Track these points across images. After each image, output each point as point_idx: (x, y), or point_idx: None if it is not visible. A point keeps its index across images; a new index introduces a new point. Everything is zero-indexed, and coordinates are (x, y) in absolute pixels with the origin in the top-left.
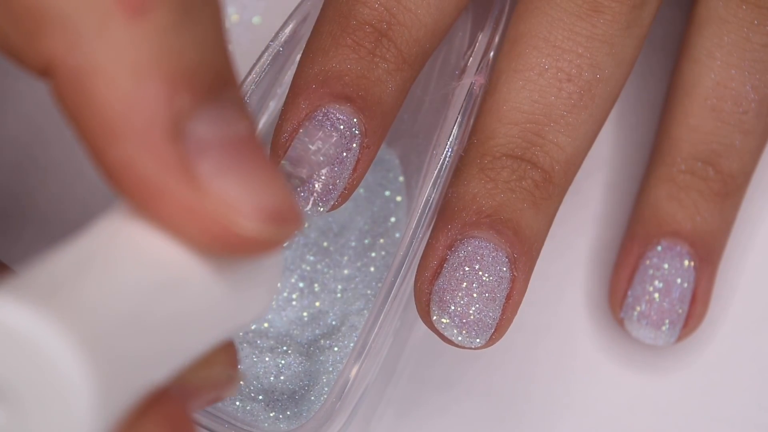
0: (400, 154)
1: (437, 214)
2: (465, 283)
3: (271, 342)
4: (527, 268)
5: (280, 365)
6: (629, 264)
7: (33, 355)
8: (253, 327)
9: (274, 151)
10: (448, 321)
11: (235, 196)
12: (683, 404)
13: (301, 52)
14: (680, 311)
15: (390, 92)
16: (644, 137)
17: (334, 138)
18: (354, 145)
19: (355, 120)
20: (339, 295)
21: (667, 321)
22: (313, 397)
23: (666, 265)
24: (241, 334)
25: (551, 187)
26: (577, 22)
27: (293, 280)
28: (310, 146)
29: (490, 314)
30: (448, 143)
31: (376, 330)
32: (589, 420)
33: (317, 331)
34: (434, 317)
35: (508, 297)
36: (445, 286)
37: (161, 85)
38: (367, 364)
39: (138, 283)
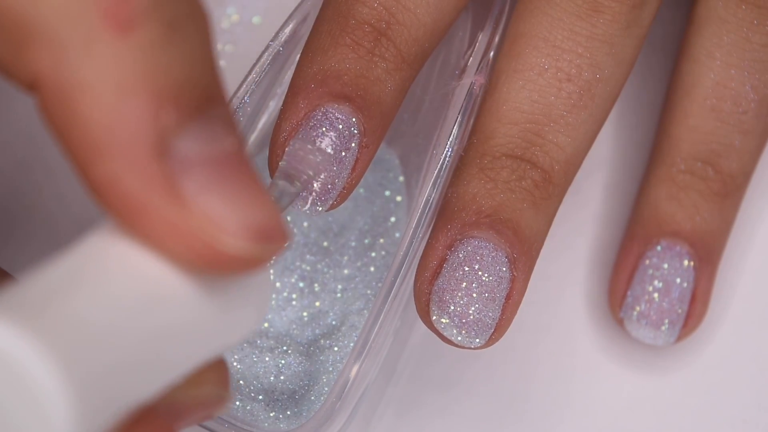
0: (400, 154)
1: (437, 214)
2: (465, 283)
3: (271, 342)
4: (527, 267)
5: (280, 365)
6: (629, 264)
7: (11, 373)
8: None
9: (273, 150)
10: (447, 321)
11: (220, 213)
12: (683, 404)
13: (301, 51)
14: (680, 311)
15: (389, 92)
16: (644, 137)
17: (333, 138)
18: (353, 144)
19: (353, 119)
20: (339, 294)
21: (666, 321)
22: (313, 397)
23: (666, 265)
24: None
25: (551, 187)
26: (577, 22)
27: (293, 280)
28: (309, 146)
29: (490, 314)
30: (448, 143)
31: (376, 330)
32: (589, 420)
33: (317, 331)
34: (434, 317)
35: (508, 297)
36: (444, 286)
37: (147, 101)
38: (367, 364)
39: (122, 301)
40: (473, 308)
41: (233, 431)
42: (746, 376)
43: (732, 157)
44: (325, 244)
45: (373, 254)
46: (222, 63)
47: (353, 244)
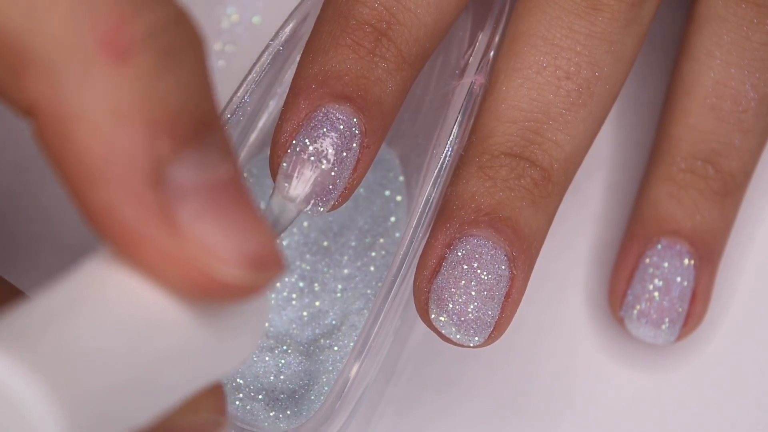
0: (400, 154)
1: (437, 213)
2: (463, 281)
3: (271, 341)
4: (526, 266)
5: (280, 365)
6: (629, 263)
7: (5, 402)
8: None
9: (274, 151)
10: (446, 319)
11: (215, 241)
12: (683, 404)
13: (301, 51)
14: (680, 310)
15: (390, 92)
16: (644, 137)
17: (334, 138)
18: (354, 145)
19: (354, 120)
20: (339, 294)
21: (666, 320)
22: (313, 397)
23: (666, 264)
24: None
25: (550, 186)
26: (576, 21)
27: (293, 280)
28: (310, 147)
29: (489, 312)
30: (449, 143)
31: (376, 329)
32: (589, 420)
33: (317, 331)
34: (432, 315)
35: (507, 295)
36: (443, 284)
37: (142, 130)
38: (367, 364)
39: (118, 329)
40: (472, 306)
41: (233, 431)
42: (746, 376)
43: (732, 156)
44: (325, 243)
45: (373, 254)
46: (222, 63)
47: (353, 243)
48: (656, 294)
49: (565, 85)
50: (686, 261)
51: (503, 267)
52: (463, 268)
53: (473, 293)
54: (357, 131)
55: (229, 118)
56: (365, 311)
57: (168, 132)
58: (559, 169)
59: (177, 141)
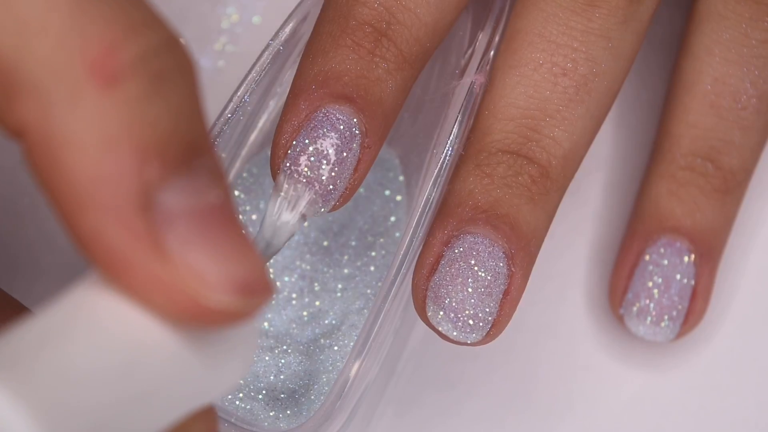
0: (400, 154)
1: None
2: (460, 279)
3: (271, 341)
4: (525, 263)
5: (280, 364)
6: (629, 260)
7: None
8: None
9: (275, 152)
10: (443, 316)
11: (204, 267)
12: (684, 404)
13: (302, 52)
14: (680, 307)
15: (391, 92)
16: (644, 137)
17: (334, 139)
18: (354, 145)
19: (355, 120)
20: (339, 294)
21: (666, 317)
22: (313, 396)
23: (666, 262)
24: None
25: (548, 182)
26: (572, 17)
27: (293, 279)
28: (310, 148)
29: (487, 310)
30: (449, 142)
31: (376, 329)
32: (589, 420)
33: (317, 330)
34: (430, 313)
35: (506, 293)
36: (440, 281)
37: (130, 155)
38: (367, 364)
39: (105, 355)
40: (469, 303)
41: (233, 430)
42: (747, 376)
43: (732, 153)
44: (325, 243)
45: (373, 254)
46: (222, 63)
47: (353, 243)
48: (656, 291)
49: (562, 81)
50: (686, 258)
51: (501, 264)
52: (460, 265)
53: (470, 290)
54: (357, 131)
55: (229, 118)
56: (365, 311)
57: (157, 157)
58: (557, 166)
59: (166, 166)
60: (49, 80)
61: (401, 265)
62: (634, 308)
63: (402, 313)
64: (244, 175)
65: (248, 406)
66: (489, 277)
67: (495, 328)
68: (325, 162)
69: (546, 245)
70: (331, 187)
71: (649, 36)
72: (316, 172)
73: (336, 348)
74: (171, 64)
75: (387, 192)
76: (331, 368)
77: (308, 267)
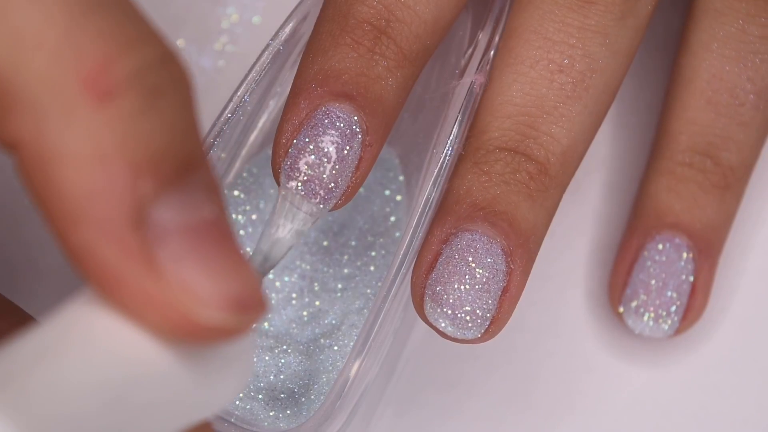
0: (400, 154)
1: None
2: (458, 276)
3: (271, 341)
4: (524, 260)
5: (280, 364)
6: (628, 257)
7: None
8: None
9: (276, 152)
10: (440, 313)
11: (197, 283)
12: (684, 404)
13: (302, 51)
14: (678, 303)
15: (391, 89)
16: (644, 137)
17: (335, 137)
18: (355, 143)
19: (355, 118)
20: (339, 294)
21: (664, 313)
22: (313, 396)
23: (664, 258)
24: None
25: (547, 179)
26: (569, 14)
27: (293, 279)
28: (311, 146)
29: (485, 307)
30: (449, 142)
31: (376, 329)
32: (589, 420)
33: (317, 330)
34: (427, 310)
35: (505, 290)
36: (438, 279)
37: (124, 171)
38: (367, 363)
39: (99, 373)
40: (467, 300)
41: (233, 430)
42: (747, 376)
43: (731, 149)
44: (325, 243)
45: (373, 253)
46: (222, 63)
47: (353, 243)
48: (654, 287)
49: (559, 78)
50: (685, 254)
51: (499, 261)
52: (458, 262)
53: (468, 287)
54: (358, 129)
55: (229, 118)
56: (365, 311)
57: (151, 173)
58: (555, 163)
59: (160, 182)
60: (44, 95)
61: (401, 264)
62: (633, 304)
63: (402, 313)
64: (244, 175)
65: (248, 406)
66: (487, 274)
67: (494, 325)
68: (325, 160)
69: (546, 245)
70: (332, 185)
71: (648, 36)
72: (317, 171)
73: (336, 348)
74: (166, 79)
75: (387, 192)
76: (331, 368)
77: (308, 267)
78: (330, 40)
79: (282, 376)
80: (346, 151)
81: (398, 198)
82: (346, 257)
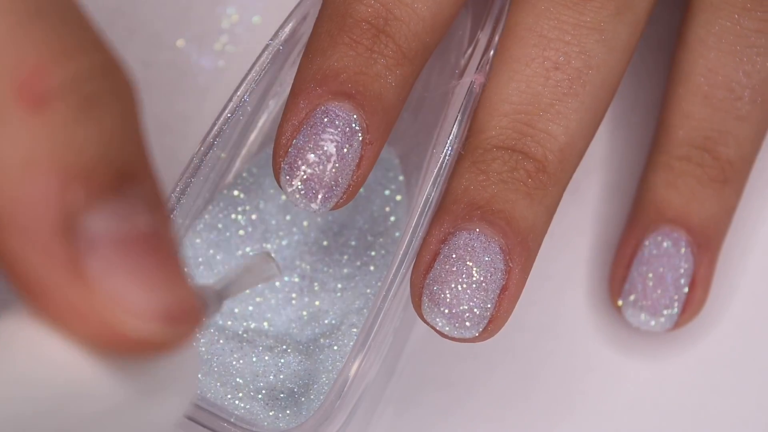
0: (400, 153)
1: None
2: (455, 275)
3: (271, 341)
4: (523, 258)
5: (280, 364)
6: (627, 251)
7: None
8: (252, 326)
9: (276, 152)
10: (437, 312)
11: (125, 295)
12: (684, 404)
13: (302, 51)
14: (677, 297)
15: (390, 87)
16: (644, 136)
17: (334, 136)
18: (355, 141)
19: (354, 116)
20: (339, 294)
21: (662, 307)
22: (312, 396)
23: (663, 252)
24: (240, 332)
25: (545, 177)
26: (564, 11)
27: (293, 279)
28: (311, 145)
29: (482, 305)
30: (448, 142)
31: (375, 329)
32: (589, 420)
33: (317, 330)
34: (425, 309)
35: (504, 288)
36: (436, 278)
37: (53, 178)
38: (366, 363)
39: (31, 392)
40: (464, 299)
41: (233, 430)
42: (747, 376)
43: (729, 143)
44: (325, 243)
45: (373, 253)
46: (222, 63)
47: (353, 243)
48: (652, 281)
49: (554, 75)
50: (683, 248)
51: (498, 260)
52: (455, 262)
53: (465, 286)
54: (357, 127)
55: (229, 117)
56: (365, 310)
57: (81, 181)
58: (554, 160)
59: (92, 191)
60: None
61: (401, 264)
62: (631, 298)
63: (402, 312)
64: (244, 175)
65: (248, 406)
66: (485, 273)
67: (493, 324)
68: (325, 159)
69: (546, 244)
70: (333, 183)
71: (649, 34)
72: (317, 170)
73: (336, 348)
74: (104, 88)
75: (387, 192)
76: (330, 368)
77: (308, 267)
78: (328, 39)
79: (282, 376)
80: (345, 150)
81: (398, 198)
82: (345, 257)
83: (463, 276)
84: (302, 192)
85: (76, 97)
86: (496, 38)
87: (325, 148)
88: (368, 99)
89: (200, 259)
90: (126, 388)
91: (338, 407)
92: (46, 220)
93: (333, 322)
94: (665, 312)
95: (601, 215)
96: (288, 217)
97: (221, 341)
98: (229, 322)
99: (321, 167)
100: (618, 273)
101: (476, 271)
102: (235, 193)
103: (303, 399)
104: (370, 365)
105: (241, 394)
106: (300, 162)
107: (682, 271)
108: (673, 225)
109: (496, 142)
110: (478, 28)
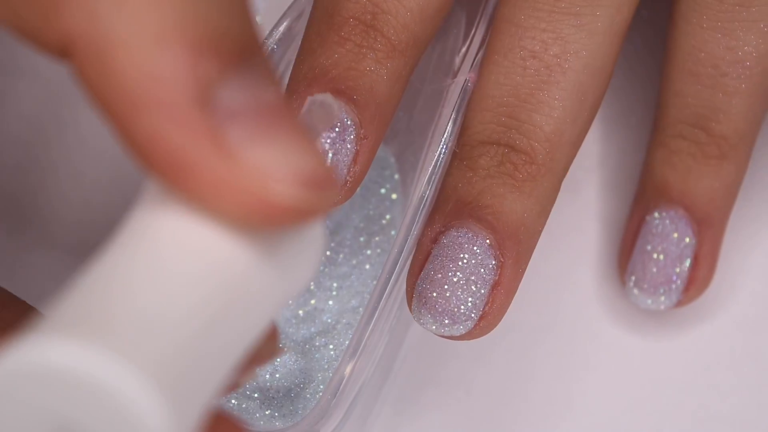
0: (395, 152)
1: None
2: (442, 274)
3: None
4: (515, 252)
5: (276, 363)
6: (631, 231)
7: (99, 393)
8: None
9: None
10: (425, 311)
11: (269, 163)
12: (684, 404)
13: (296, 50)
14: (678, 272)
15: (382, 81)
16: (644, 135)
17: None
18: (349, 136)
19: (346, 112)
20: (334, 292)
21: (662, 285)
22: (308, 395)
23: (661, 229)
24: None
25: (534, 168)
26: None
27: None
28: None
29: (470, 302)
30: (442, 140)
31: (371, 327)
32: (588, 420)
33: (312, 329)
34: (414, 308)
35: (497, 283)
36: (425, 277)
37: (185, 52)
38: (362, 362)
39: (186, 284)
40: (451, 297)
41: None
42: (747, 376)
43: (720, 119)
44: None
45: (369, 252)
46: None
47: (348, 241)
48: (653, 259)
49: (532, 64)
50: (682, 225)
51: (487, 255)
52: (443, 260)
53: (451, 284)
54: (350, 122)
55: None
56: (361, 309)
57: (213, 53)
58: (541, 150)
59: (222, 62)
60: None
61: (396, 263)
62: (634, 277)
63: (398, 311)
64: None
65: (244, 405)
66: (473, 270)
67: (486, 320)
68: None
69: (545, 244)
70: None
71: (649, 33)
72: None
73: (331, 346)
74: None
75: (382, 190)
76: (326, 366)
77: None
78: (318, 39)
79: (277, 375)
80: (339, 145)
81: (393, 196)
82: (341, 256)
83: (450, 274)
84: None
85: None
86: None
87: (318, 146)
88: (359, 93)
89: None
90: (268, 263)
91: (334, 406)
92: (184, 94)
93: (329, 320)
94: (665, 290)
95: (601, 215)
96: None
97: None
98: None
99: None
100: (624, 253)
101: (463, 269)
102: None
103: (299, 398)
104: (366, 364)
105: (236, 394)
106: None
107: (682, 247)
108: (671, 202)
109: (481, 137)
110: (472, 26)
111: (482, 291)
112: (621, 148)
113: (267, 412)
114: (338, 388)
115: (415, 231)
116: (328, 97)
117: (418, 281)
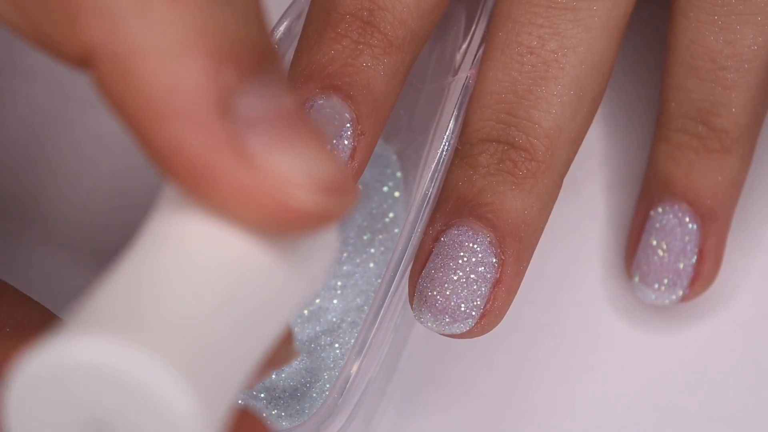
0: (397, 150)
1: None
2: (443, 272)
3: None
4: (515, 249)
5: None
6: (636, 226)
7: (132, 388)
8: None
9: None
10: (425, 310)
11: (290, 169)
12: (683, 404)
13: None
14: (682, 267)
15: (379, 77)
16: (645, 135)
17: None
18: (346, 132)
19: (342, 107)
20: (339, 291)
21: (665, 279)
22: (314, 394)
23: (666, 224)
24: None
25: (534, 165)
26: None
27: None
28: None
29: (468, 300)
30: (445, 137)
31: (376, 326)
32: (589, 420)
33: (318, 328)
34: (415, 307)
35: (498, 281)
36: (426, 276)
37: (205, 61)
38: (368, 361)
39: (212, 284)
40: (451, 296)
41: None
42: (747, 376)
43: (721, 113)
44: None
45: (372, 250)
46: None
47: (352, 240)
48: (658, 254)
49: (529, 60)
50: (686, 219)
51: (487, 253)
52: (443, 259)
53: (451, 283)
54: (347, 117)
55: None
56: (365, 308)
57: (232, 62)
58: (541, 147)
59: (242, 71)
60: None
61: (399, 261)
62: (639, 272)
63: (402, 309)
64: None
65: (249, 405)
66: (472, 268)
67: (487, 318)
68: None
69: (546, 244)
70: None
71: (649, 32)
72: None
73: (337, 345)
74: None
75: (385, 188)
76: (332, 366)
77: None
78: (315, 36)
79: (283, 375)
80: (336, 141)
81: (396, 194)
82: (345, 254)
83: (450, 272)
84: None
85: None
86: None
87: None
88: (356, 89)
89: None
90: (285, 267)
91: (340, 405)
92: (205, 104)
93: (334, 320)
94: (668, 285)
95: (603, 214)
96: None
97: None
98: None
99: None
100: (630, 248)
101: (463, 267)
102: None
103: (305, 397)
104: (372, 363)
105: (242, 393)
106: None
107: (686, 241)
108: (674, 197)
109: (480, 135)
110: (472, 23)
111: (483, 289)
112: (623, 147)
113: (274, 412)
114: (345, 386)
115: (419, 229)
116: (336, 102)
117: (420, 280)
